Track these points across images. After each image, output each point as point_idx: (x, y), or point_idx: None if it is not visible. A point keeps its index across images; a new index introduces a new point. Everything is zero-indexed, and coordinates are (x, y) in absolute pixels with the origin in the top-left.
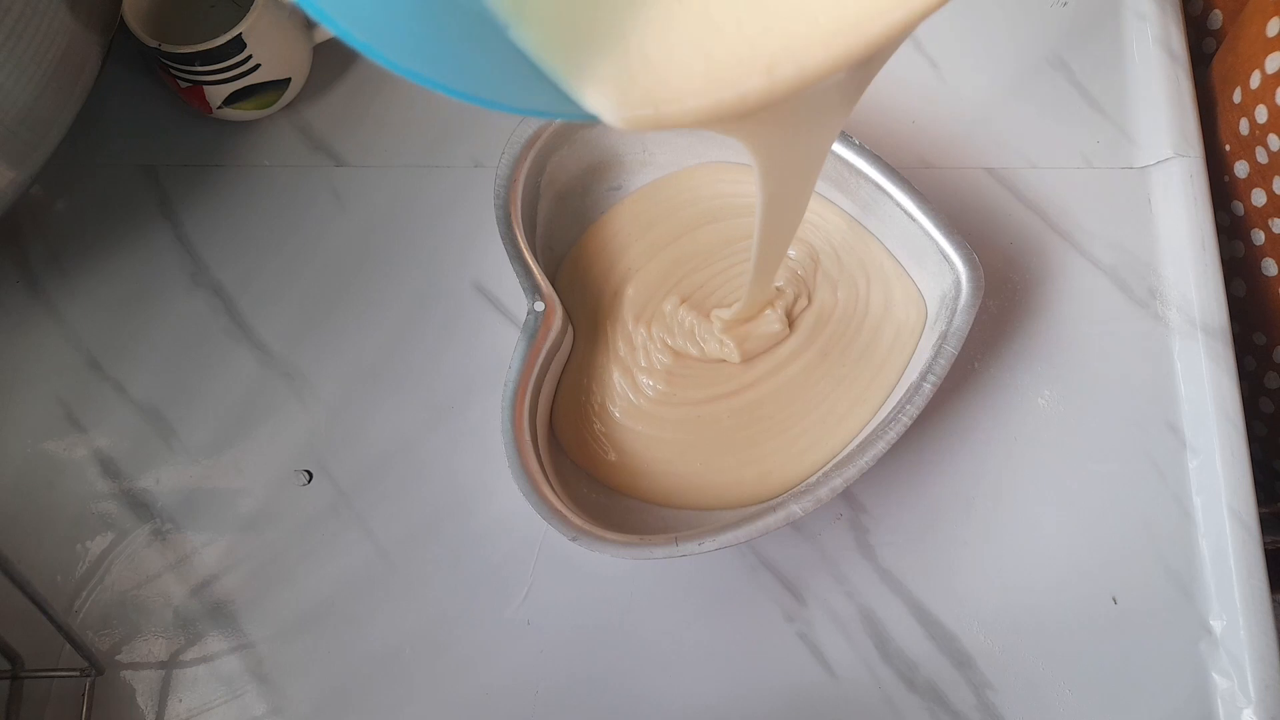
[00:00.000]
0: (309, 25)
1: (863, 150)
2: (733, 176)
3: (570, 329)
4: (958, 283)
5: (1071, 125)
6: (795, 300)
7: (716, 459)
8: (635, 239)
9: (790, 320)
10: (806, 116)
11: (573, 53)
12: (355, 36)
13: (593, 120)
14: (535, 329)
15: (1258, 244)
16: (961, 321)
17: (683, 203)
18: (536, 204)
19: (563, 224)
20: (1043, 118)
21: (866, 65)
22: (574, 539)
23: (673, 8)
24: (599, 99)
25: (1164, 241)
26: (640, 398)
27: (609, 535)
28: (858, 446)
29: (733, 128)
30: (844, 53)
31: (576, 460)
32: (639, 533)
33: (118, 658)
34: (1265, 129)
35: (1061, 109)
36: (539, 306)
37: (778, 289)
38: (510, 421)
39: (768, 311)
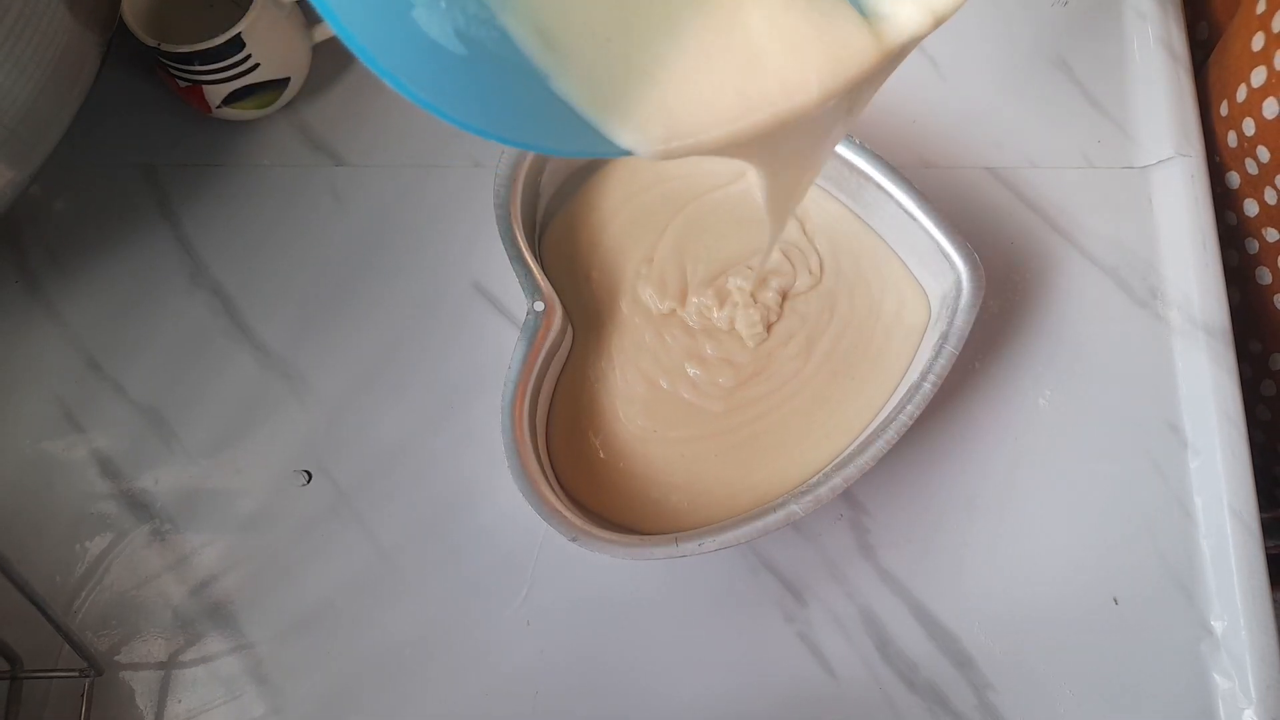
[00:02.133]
0: (308, 25)
1: (863, 150)
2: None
3: (570, 328)
4: (959, 282)
5: (1072, 125)
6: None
7: (706, 495)
8: (608, 218)
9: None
10: (811, 134)
11: (608, 100)
12: (417, 94)
13: (627, 154)
14: (535, 329)
15: (1252, 252)
16: (962, 321)
17: (653, 177)
18: (536, 204)
19: None
20: (1043, 117)
21: (855, 94)
22: (574, 539)
23: (690, 61)
24: (632, 138)
25: (1165, 241)
26: (620, 429)
27: (609, 535)
28: (858, 446)
29: (747, 152)
30: (827, 91)
31: (569, 488)
32: (637, 534)
33: (117, 658)
34: (1254, 141)
35: (1062, 108)
36: (539, 306)
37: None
38: (510, 421)
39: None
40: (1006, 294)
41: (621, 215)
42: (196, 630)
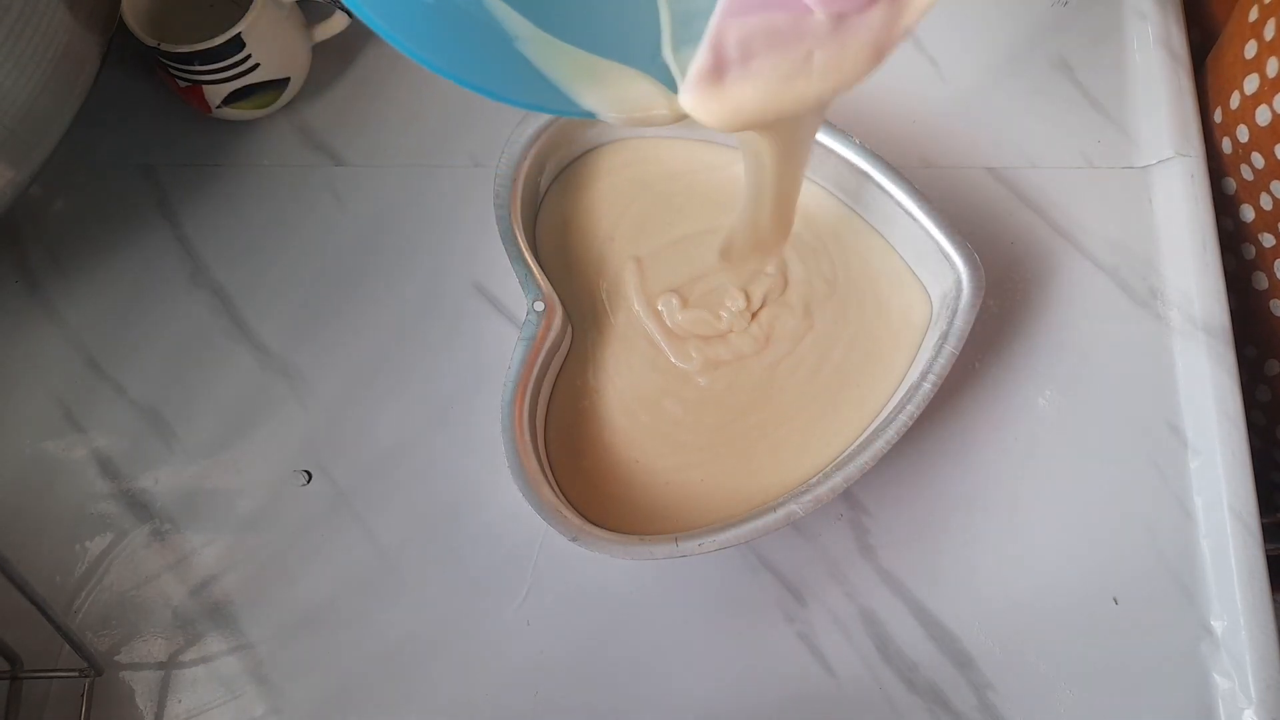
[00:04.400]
0: (308, 25)
1: (863, 150)
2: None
3: (570, 328)
4: (959, 282)
5: (1072, 125)
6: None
7: (702, 508)
8: (596, 215)
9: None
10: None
11: (570, 68)
12: (385, 29)
13: (591, 117)
14: (535, 329)
15: (1248, 258)
16: (962, 321)
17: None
18: (536, 204)
19: None
20: (1043, 117)
21: None
22: (574, 539)
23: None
24: (596, 102)
25: (1165, 241)
26: (605, 455)
27: (609, 535)
28: (858, 446)
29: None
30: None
31: (566, 491)
32: (639, 533)
33: (117, 658)
34: (1249, 147)
35: (1062, 108)
36: (539, 306)
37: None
38: (510, 421)
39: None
40: (1006, 294)
41: (608, 212)
42: (196, 630)
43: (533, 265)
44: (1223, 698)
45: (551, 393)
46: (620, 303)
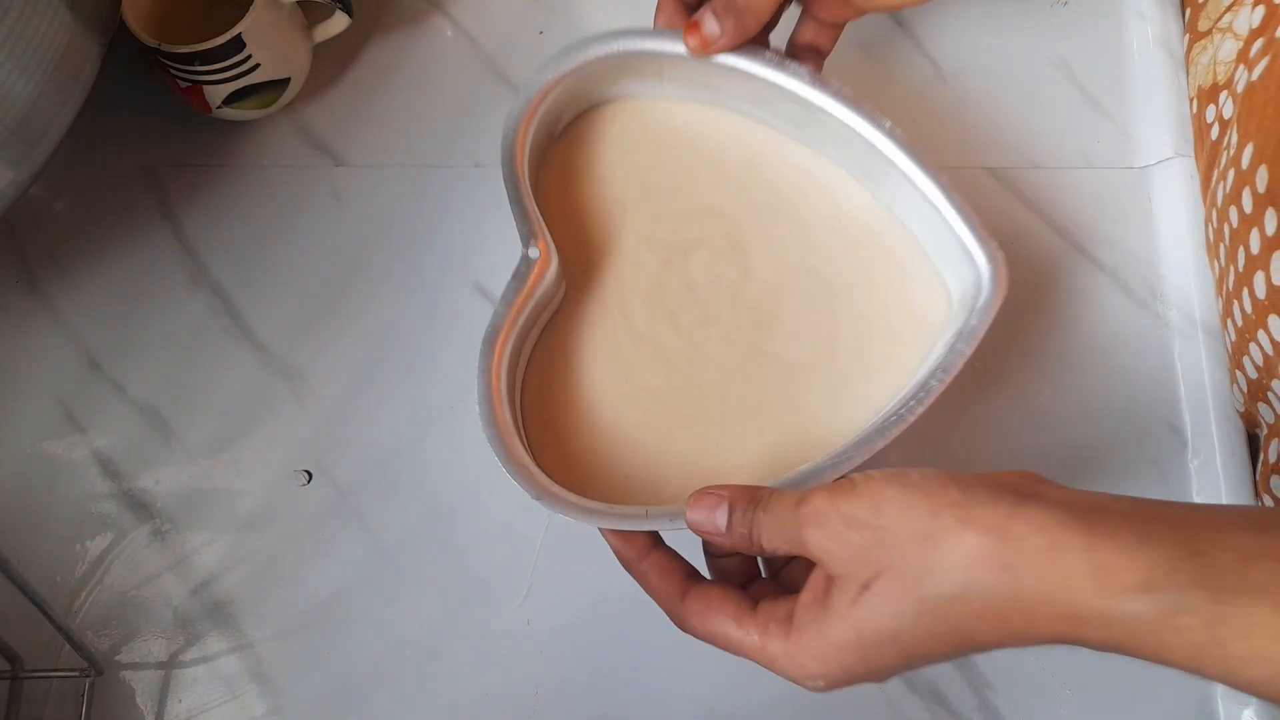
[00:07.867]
0: (308, 25)
1: (894, 135)
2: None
3: (564, 285)
4: (979, 280)
5: (1072, 125)
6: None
7: (672, 498)
8: (597, 174)
9: None
10: None
11: None
12: None
13: None
14: (527, 275)
15: None
16: (978, 321)
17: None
18: (544, 155)
19: None
20: (1043, 117)
21: None
22: (537, 497)
23: None
24: None
25: (1164, 241)
26: (580, 423)
27: (575, 499)
28: (856, 444)
29: None
30: None
31: (539, 458)
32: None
33: (117, 658)
34: None
35: (1061, 109)
36: (534, 254)
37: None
38: (486, 364)
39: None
40: (1006, 294)
41: (604, 161)
42: (196, 630)
43: (530, 207)
44: (1222, 698)
45: (534, 348)
46: (602, 255)
